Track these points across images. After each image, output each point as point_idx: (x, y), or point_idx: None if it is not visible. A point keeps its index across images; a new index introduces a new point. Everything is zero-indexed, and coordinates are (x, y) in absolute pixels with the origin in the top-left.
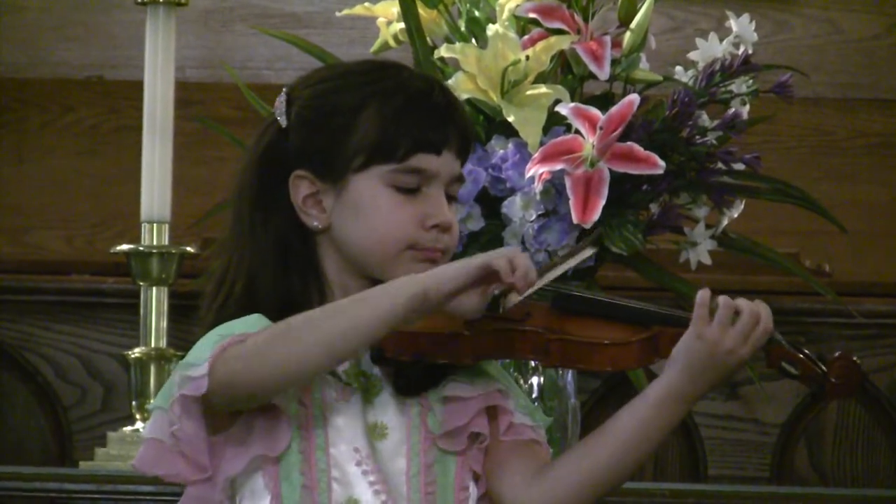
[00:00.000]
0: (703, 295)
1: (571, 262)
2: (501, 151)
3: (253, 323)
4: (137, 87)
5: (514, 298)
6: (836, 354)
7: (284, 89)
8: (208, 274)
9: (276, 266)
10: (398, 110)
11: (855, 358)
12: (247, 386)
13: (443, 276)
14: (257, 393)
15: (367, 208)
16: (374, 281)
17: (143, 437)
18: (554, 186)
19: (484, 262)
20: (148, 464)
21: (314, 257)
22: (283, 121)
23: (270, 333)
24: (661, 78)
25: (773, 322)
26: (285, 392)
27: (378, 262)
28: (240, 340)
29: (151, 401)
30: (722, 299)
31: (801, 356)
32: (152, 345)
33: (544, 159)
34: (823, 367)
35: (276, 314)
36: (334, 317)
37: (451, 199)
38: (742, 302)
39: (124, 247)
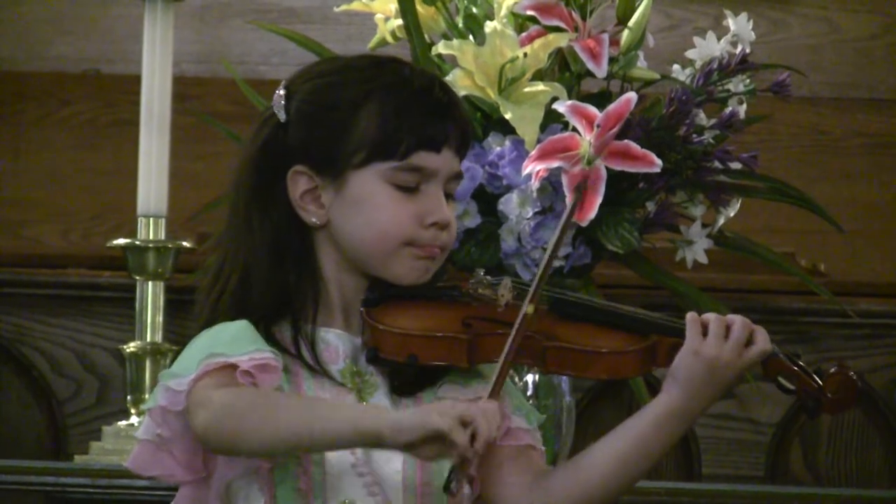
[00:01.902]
0: (691, 314)
1: (556, 251)
2: (498, 148)
3: (239, 334)
4: (134, 81)
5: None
6: (833, 370)
7: (283, 83)
8: (205, 269)
9: (271, 262)
10: (399, 107)
11: (852, 372)
12: (196, 434)
13: (403, 427)
14: (199, 440)
15: (366, 205)
16: (372, 278)
17: (137, 438)
18: (551, 184)
19: (445, 429)
20: (141, 465)
21: (311, 254)
22: (281, 115)
23: (232, 400)
24: (658, 76)
25: (769, 343)
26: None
27: (376, 258)
28: (227, 365)
29: (147, 395)
30: (712, 315)
31: (798, 370)
32: (148, 339)
33: (541, 157)
34: (820, 382)
35: (269, 310)
36: (286, 416)
37: (449, 196)
38: (733, 316)
39: (120, 241)
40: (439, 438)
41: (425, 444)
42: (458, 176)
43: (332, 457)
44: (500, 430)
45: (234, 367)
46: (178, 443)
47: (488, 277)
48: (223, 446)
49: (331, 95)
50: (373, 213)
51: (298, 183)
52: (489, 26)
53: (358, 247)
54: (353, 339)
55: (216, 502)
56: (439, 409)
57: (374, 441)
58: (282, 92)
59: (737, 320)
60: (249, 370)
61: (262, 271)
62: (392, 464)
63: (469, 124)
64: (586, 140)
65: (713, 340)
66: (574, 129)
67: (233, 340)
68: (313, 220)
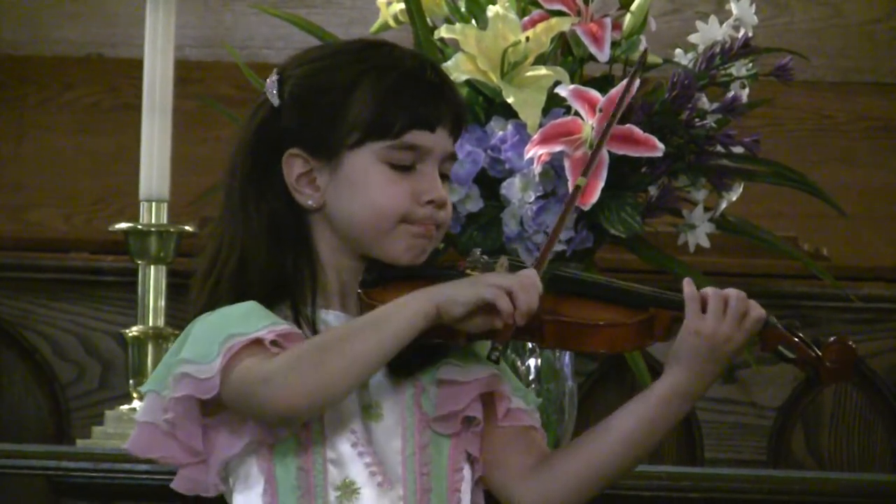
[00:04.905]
0: (690, 290)
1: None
2: (501, 133)
3: (249, 312)
4: (137, 65)
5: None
6: (832, 339)
7: (276, 69)
8: (202, 254)
9: (268, 246)
10: (392, 87)
11: (850, 342)
12: (271, 411)
13: (456, 300)
14: (281, 416)
15: (362, 184)
16: (369, 260)
17: (137, 421)
18: (553, 168)
19: (490, 298)
20: (141, 447)
21: (307, 237)
22: (274, 100)
23: (295, 359)
24: (660, 60)
25: (763, 309)
26: (308, 416)
27: (373, 237)
28: (251, 342)
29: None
30: (710, 290)
31: (796, 339)
32: (150, 323)
33: (543, 141)
34: (818, 351)
35: (267, 294)
36: (355, 341)
37: (444, 177)
38: (729, 290)
39: (123, 225)
40: (486, 309)
41: (473, 316)
42: (452, 157)
43: (332, 436)
44: (537, 304)
45: (258, 342)
46: (183, 427)
47: (485, 257)
48: (312, 402)
49: (323, 78)
50: (368, 192)
51: (293, 166)
52: (491, 10)
53: (354, 227)
54: (350, 321)
55: (215, 482)
56: (485, 280)
57: (433, 318)
58: (275, 77)
59: (732, 294)
60: (276, 339)
61: (260, 256)
62: (392, 443)
63: (462, 106)
64: (588, 124)
65: (712, 317)
66: (576, 114)
67: (246, 319)
68: (309, 202)
